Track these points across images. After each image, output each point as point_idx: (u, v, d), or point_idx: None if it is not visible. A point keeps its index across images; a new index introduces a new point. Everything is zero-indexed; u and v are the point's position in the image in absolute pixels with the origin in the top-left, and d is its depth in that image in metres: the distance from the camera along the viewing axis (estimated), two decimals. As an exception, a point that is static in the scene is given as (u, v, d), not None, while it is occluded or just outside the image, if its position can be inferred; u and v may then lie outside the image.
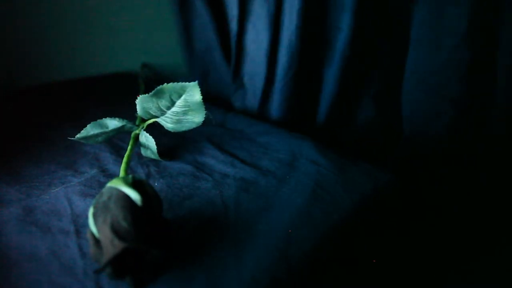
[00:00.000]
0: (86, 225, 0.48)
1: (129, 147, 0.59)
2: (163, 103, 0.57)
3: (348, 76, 0.84)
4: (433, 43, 0.78)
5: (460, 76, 0.77)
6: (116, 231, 0.38)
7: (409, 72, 0.83)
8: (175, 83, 0.56)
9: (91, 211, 0.43)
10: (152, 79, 1.02)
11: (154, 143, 0.61)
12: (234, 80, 0.97)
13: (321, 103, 0.89)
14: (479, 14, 0.71)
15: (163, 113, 0.59)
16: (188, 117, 0.59)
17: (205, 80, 1.08)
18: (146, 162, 0.62)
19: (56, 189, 0.55)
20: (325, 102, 0.88)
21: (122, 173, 0.52)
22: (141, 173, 0.59)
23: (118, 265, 0.38)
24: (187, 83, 0.56)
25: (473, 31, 0.73)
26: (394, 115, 0.88)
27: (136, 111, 0.59)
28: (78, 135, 0.58)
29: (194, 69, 1.09)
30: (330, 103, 0.87)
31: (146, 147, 0.62)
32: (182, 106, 0.58)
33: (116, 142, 0.68)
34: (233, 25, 0.91)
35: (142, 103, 0.57)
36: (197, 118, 0.59)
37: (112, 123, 0.60)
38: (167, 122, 0.60)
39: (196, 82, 0.56)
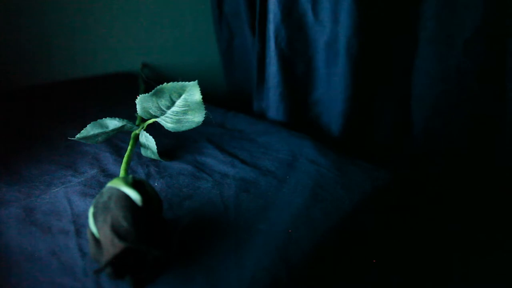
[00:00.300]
0: (86, 225, 0.48)
1: (129, 147, 0.59)
2: (163, 102, 0.57)
3: (360, 77, 0.80)
4: (445, 40, 0.76)
5: (473, 74, 0.76)
6: (116, 231, 0.38)
7: (420, 71, 0.81)
8: (175, 82, 0.56)
9: (91, 211, 0.43)
10: (152, 79, 1.02)
11: (154, 143, 0.61)
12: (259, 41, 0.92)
13: (333, 110, 0.85)
14: (492, 8, 0.70)
15: (163, 112, 0.59)
16: (188, 116, 0.59)
17: (230, 45, 1.08)
18: (146, 162, 0.62)
19: (56, 189, 0.55)
20: (338, 107, 0.84)
21: (122, 173, 0.52)
22: (141, 173, 0.59)
23: (118, 265, 0.38)
24: (187, 82, 0.56)
25: (487, 25, 0.71)
26: (404, 115, 0.87)
27: (136, 111, 0.59)
28: (78, 135, 0.58)
29: (221, 33, 1.09)
30: (345, 108, 0.82)
31: (146, 147, 0.62)
32: (182, 106, 0.58)
33: (116, 142, 0.68)
34: None
35: (142, 102, 0.57)
36: (197, 117, 0.59)
37: (112, 123, 0.60)
38: (167, 122, 0.60)
39: (196, 81, 0.56)
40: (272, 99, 0.88)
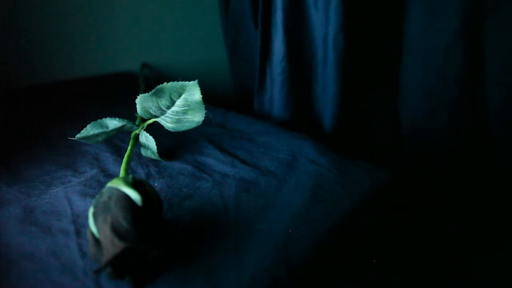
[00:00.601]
0: (86, 225, 0.48)
1: (129, 147, 0.59)
2: (163, 102, 0.57)
3: (348, 73, 0.82)
4: (426, 43, 0.78)
5: (455, 75, 0.77)
6: (116, 231, 0.38)
7: (405, 73, 0.83)
8: (175, 82, 0.56)
9: (91, 211, 0.43)
10: (152, 79, 1.02)
11: (154, 143, 0.61)
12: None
13: (327, 106, 0.87)
14: (470, 12, 0.72)
15: (163, 112, 0.59)
16: (188, 116, 0.59)
17: (235, 41, 1.10)
18: (146, 162, 0.62)
19: (56, 189, 0.55)
20: (330, 104, 0.86)
21: (122, 173, 0.52)
22: (141, 173, 0.59)
23: (118, 265, 0.38)
24: (187, 82, 0.56)
25: (465, 29, 0.73)
26: (393, 115, 0.88)
27: (136, 111, 0.59)
28: (78, 135, 0.58)
29: (227, 28, 1.10)
30: (335, 103, 0.85)
31: (146, 147, 0.62)
32: (182, 106, 0.57)
33: (116, 142, 0.68)
34: None
35: (142, 102, 0.57)
36: (197, 117, 0.59)
37: (112, 123, 0.60)
38: (167, 122, 0.60)
39: (196, 81, 0.56)
40: (278, 95, 0.88)
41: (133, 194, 0.42)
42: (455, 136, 0.83)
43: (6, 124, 0.75)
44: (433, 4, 0.76)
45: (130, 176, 0.45)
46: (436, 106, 0.82)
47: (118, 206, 0.40)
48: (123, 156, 0.56)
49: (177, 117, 0.59)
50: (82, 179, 0.57)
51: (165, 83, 0.56)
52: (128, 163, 0.54)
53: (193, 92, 0.56)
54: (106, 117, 0.60)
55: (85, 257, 0.43)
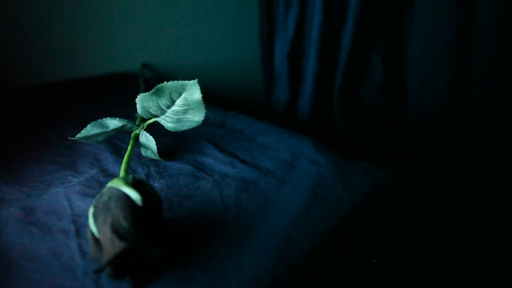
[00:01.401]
0: (86, 225, 0.48)
1: (129, 147, 0.59)
2: (163, 101, 0.57)
3: (361, 38, 0.87)
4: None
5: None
6: (116, 231, 0.38)
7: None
8: (175, 81, 0.56)
9: (91, 211, 0.43)
10: (152, 79, 1.02)
11: (154, 143, 0.61)
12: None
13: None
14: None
15: (163, 112, 0.59)
16: (188, 116, 0.58)
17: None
18: (146, 162, 0.62)
19: (56, 189, 0.55)
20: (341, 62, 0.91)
21: (122, 173, 0.52)
22: (141, 173, 0.59)
23: (118, 265, 0.38)
24: (187, 81, 0.56)
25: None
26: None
27: (136, 111, 0.59)
28: (78, 135, 0.58)
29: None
30: (346, 63, 0.91)
31: (146, 147, 0.62)
32: (182, 105, 0.57)
33: (116, 142, 0.68)
34: None
35: (142, 101, 0.57)
36: (197, 117, 0.59)
37: (112, 123, 0.60)
38: (167, 121, 0.60)
39: (196, 80, 0.56)
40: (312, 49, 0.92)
41: (133, 194, 0.42)
42: (455, 135, 0.83)
43: (6, 124, 0.75)
44: None
45: (130, 176, 0.45)
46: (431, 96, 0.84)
47: (118, 206, 0.40)
48: (123, 156, 0.56)
49: (177, 116, 0.59)
50: (82, 179, 0.57)
51: (165, 82, 0.56)
52: (128, 163, 0.54)
53: (193, 92, 0.56)
54: (106, 117, 0.60)
55: (85, 257, 0.43)
